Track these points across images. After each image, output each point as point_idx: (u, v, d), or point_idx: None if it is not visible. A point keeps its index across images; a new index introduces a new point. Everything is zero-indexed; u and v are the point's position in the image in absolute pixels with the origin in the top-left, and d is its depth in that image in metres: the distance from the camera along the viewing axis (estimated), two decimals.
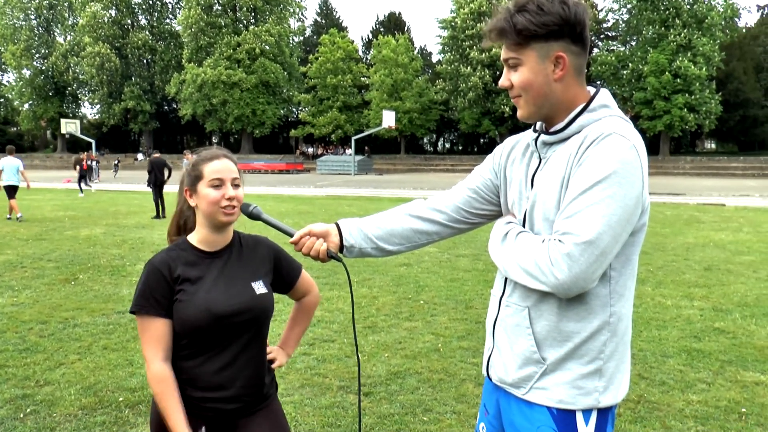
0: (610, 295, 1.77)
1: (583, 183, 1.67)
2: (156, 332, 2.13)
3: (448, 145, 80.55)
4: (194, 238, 2.25)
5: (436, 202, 2.12)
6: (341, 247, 2.08)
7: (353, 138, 51.69)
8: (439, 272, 9.33)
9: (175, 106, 71.22)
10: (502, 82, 1.86)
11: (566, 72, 1.78)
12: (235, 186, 2.19)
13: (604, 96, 1.83)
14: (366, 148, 62.91)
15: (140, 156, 65.64)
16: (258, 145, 69.23)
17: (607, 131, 1.69)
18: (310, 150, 67.77)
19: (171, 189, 20.58)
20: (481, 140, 71.82)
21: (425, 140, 76.41)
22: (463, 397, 4.71)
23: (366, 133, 54.61)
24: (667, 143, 53.69)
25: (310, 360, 5.46)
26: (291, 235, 2.09)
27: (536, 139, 1.89)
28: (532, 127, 1.96)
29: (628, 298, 1.83)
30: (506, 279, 1.93)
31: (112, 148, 73.27)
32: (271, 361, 2.41)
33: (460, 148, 76.14)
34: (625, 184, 1.65)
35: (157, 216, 17.13)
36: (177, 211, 2.34)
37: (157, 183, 17.64)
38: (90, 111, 79.37)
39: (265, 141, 71.77)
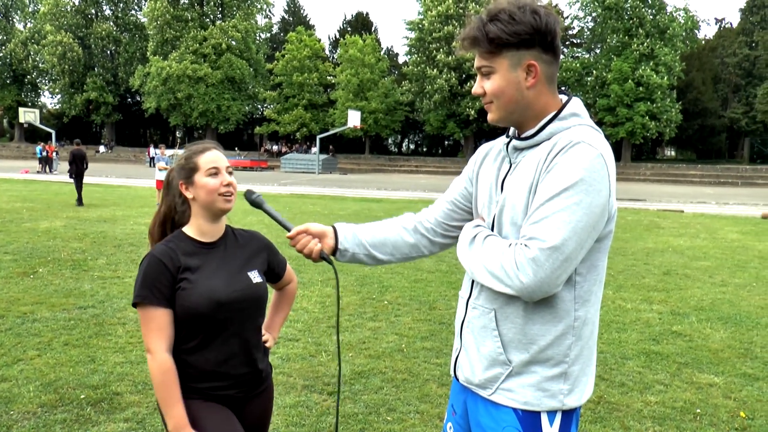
0: (575, 300, 1.81)
1: (550, 190, 1.71)
2: (160, 322, 2.17)
3: (412, 146, 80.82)
4: (190, 230, 2.32)
5: (421, 215, 2.17)
6: (335, 250, 2.11)
7: (318, 137, 51.52)
8: (403, 273, 9.37)
9: (138, 98, 70.05)
10: (475, 89, 1.90)
11: (538, 80, 1.83)
12: (229, 173, 2.30)
13: (575, 105, 1.88)
14: (330, 147, 62.72)
15: (102, 148, 64.52)
16: (222, 141, 67.83)
17: (576, 140, 1.74)
18: (275, 148, 67.34)
19: (89, 180, 20.41)
20: (446, 142, 72.21)
21: (390, 141, 76.52)
22: (427, 396, 4.75)
23: (331, 132, 54.47)
24: (629, 150, 54.58)
25: (274, 359, 5.44)
26: (288, 230, 2.12)
27: (508, 144, 1.94)
28: (506, 132, 2.00)
29: (593, 303, 1.87)
30: (473, 281, 1.96)
31: (72, 139, 71.72)
32: (265, 342, 2.52)
33: (425, 149, 76.43)
34: (592, 192, 1.69)
35: (80, 203, 18.12)
36: (163, 210, 2.37)
37: (78, 173, 18.62)
38: (50, 101, 77.84)
39: (230, 137, 71.14)
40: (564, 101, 1.89)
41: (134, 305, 2.19)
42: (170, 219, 2.37)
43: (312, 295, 7.72)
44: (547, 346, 1.82)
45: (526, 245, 1.70)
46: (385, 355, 5.68)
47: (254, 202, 2.23)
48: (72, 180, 19.01)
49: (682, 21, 51.60)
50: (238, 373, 2.29)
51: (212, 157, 2.28)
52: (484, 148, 2.13)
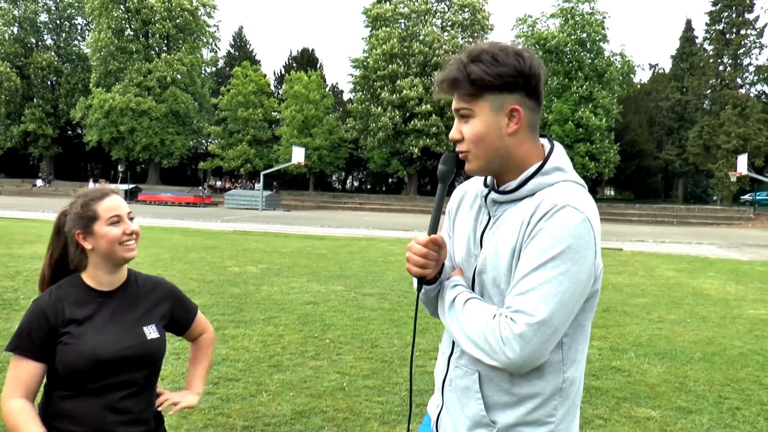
0: (563, 361, 1.76)
1: (535, 259, 1.65)
2: (22, 373, 2.04)
3: (356, 184, 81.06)
4: (86, 277, 2.16)
5: None
6: (435, 278, 1.89)
7: (262, 173, 51.22)
8: (345, 311, 9.30)
9: (80, 131, 68.54)
10: (453, 134, 1.80)
11: (520, 126, 1.75)
12: (131, 219, 2.16)
13: (559, 156, 1.82)
14: (274, 183, 62.26)
15: (39, 182, 62.74)
16: (165, 176, 67.48)
17: (561, 203, 1.67)
18: (218, 183, 66.63)
19: None
20: (390, 180, 72.68)
21: (334, 178, 76.63)
22: None
23: (275, 168, 54.18)
24: None
25: (213, 399, 5.31)
26: (434, 231, 1.86)
27: (486, 195, 1.85)
28: (483, 180, 1.91)
29: (580, 362, 1.82)
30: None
31: (8, 172, 69.73)
32: (160, 412, 2.32)
33: (369, 186, 76.74)
34: (579, 260, 1.64)
35: None
36: (56, 257, 2.22)
37: None
38: None
39: (173, 172, 70.06)
40: (547, 151, 1.82)
41: (7, 351, 2.05)
42: (63, 266, 2.21)
43: (253, 334, 7.59)
44: (534, 409, 1.75)
45: (512, 319, 1.64)
46: (327, 394, 5.60)
47: (441, 173, 1.87)
48: None
49: (619, 66, 53.65)
50: (114, 430, 2.09)
51: (113, 203, 2.14)
52: (459, 191, 2.04)
